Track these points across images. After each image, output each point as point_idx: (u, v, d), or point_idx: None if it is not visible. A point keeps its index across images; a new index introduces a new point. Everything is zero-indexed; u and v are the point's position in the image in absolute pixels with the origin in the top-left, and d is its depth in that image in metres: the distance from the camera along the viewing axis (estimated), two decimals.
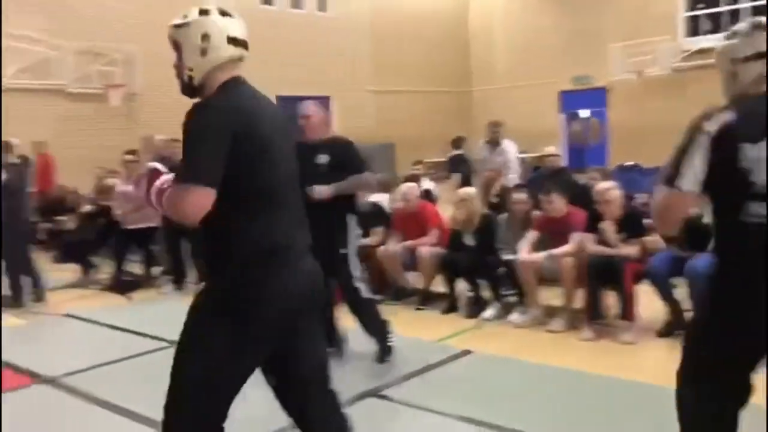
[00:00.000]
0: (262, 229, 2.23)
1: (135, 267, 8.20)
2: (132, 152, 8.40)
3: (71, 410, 4.20)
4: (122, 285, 7.69)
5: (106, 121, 14.30)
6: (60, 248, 9.71)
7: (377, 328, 4.76)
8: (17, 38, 13.42)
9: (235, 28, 2.32)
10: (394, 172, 13.81)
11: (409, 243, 6.35)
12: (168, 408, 2.28)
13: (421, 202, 6.65)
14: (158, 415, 3.69)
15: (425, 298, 6.33)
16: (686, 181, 2.09)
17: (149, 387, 4.42)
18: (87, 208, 10.77)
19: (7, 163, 7.24)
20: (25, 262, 7.19)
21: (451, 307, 6.10)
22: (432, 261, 6.19)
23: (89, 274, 8.34)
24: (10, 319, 6.64)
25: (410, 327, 5.59)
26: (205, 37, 2.27)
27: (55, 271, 8.62)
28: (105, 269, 8.41)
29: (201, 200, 2.12)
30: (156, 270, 8.21)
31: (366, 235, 6.59)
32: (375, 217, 6.70)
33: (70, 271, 8.53)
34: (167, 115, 13.75)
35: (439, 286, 6.36)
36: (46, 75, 13.97)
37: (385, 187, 8.28)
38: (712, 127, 2.09)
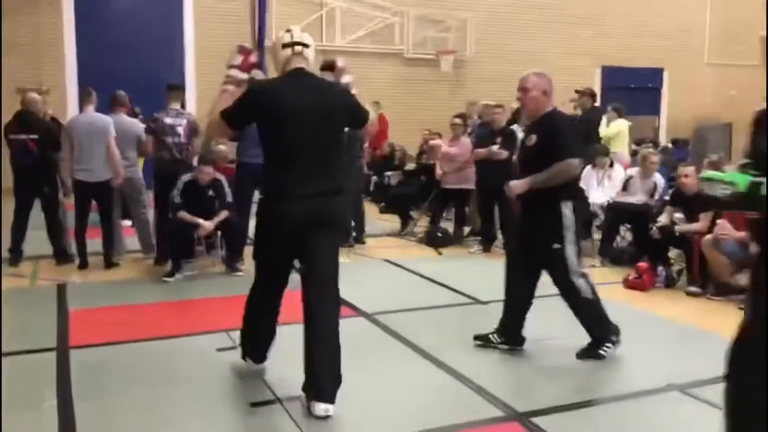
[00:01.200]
0: (277, 179, 3.54)
1: (448, 225, 8.64)
2: (460, 116, 8.76)
3: (379, 341, 4.66)
4: (435, 240, 8.16)
5: (436, 85, 15.15)
6: (385, 200, 10.66)
7: (597, 332, 4.27)
8: (365, 5, 14.81)
9: (288, 37, 3.61)
10: (728, 155, 12.44)
11: (741, 235, 5.68)
12: None
13: None
14: (444, 356, 3.85)
15: None
16: None
17: (443, 333, 4.76)
18: (411, 165, 11.58)
19: None
20: (355, 208, 8.01)
21: None
22: None
23: (408, 225, 9.01)
24: None
25: (730, 327, 5.05)
26: (276, 46, 3.66)
27: (379, 220, 9.51)
28: (421, 223, 9.02)
29: (222, 129, 3.66)
30: (466, 229, 8.56)
31: (692, 220, 6.08)
32: (703, 201, 6.10)
33: (392, 221, 9.31)
34: (493, 82, 14.12)
35: None
36: (387, 40, 15.21)
37: (717, 170, 7.52)
38: None
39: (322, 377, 3.43)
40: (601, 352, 4.25)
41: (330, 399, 3.40)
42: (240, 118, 3.57)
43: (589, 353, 4.27)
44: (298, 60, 3.59)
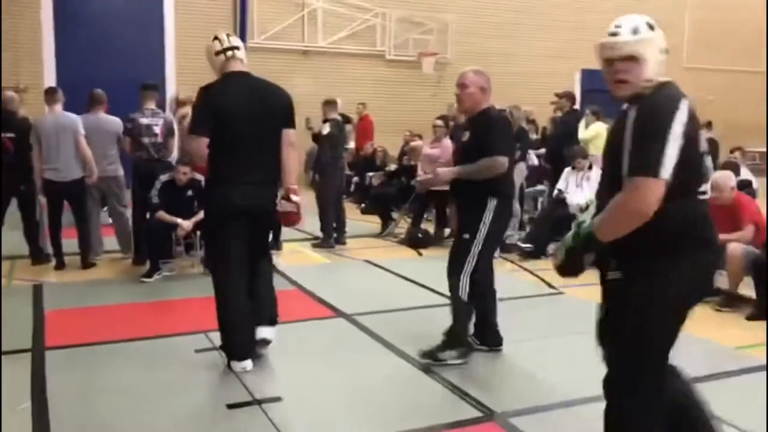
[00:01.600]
0: (221, 167, 3.88)
1: (429, 226, 8.65)
2: (441, 118, 8.78)
3: (358, 342, 4.65)
4: (416, 241, 8.16)
5: (418, 87, 15.16)
6: (366, 201, 10.67)
7: (453, 336, 4.17)
8: (347, 6, 14.80)
9: (218, 44, 3.94)
10: None
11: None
12: None
13: (736, 193, 5.95)
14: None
15: (728, 300, 5.70)
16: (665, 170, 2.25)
17: (422, 334, 4.70)
18: (392, 166, 11.60)
19: (331, 118, 8.10)
20: (336, 208, 8.01)
21: (758, 315, 5.41)
22: (743, 260, 5.53)
23: (389, 226, 9.01)
24: (317, 257, 7.50)
25: (706, 328, 5.09)
26: (209, 54, 3.99)
27: (360, 221, 9.51)
28: (402, 224, 9.03)
29: (198, 144, 3.83)
30: (446, 230, 8.58)
31: None
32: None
33: (373, 222, 9.31)
34: None
35: (746, 288, 5.68)
36: (369, 41, 15.21)
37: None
38: (683, 116, 2.29)
39: (262, 305, 4.08)
40: (442, 356, 4.15)
41: (270, 323, 4.12)
42: (206, 123, 3.79)
43: (432, 354, 4.17)
44: (234, 62, 3.95)
